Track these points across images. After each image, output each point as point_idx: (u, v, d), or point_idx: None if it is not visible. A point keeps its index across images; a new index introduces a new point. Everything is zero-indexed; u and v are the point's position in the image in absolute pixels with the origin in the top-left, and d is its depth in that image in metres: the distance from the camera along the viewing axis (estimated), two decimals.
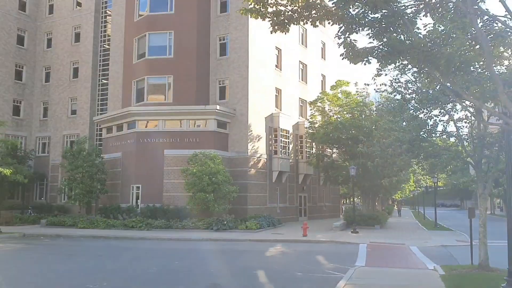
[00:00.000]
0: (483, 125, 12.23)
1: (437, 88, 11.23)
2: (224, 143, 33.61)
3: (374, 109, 34.94)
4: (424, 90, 11.67)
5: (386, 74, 12.83)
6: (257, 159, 34.18)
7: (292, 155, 39.72)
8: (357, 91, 35.57)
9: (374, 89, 12.82)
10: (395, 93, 12.39)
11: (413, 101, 12.31)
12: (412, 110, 12.47)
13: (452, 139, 13.08)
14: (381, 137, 15.94)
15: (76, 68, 42.13)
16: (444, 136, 13.16)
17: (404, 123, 13.09)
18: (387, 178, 13.99)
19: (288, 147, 37.69)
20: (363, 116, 33.75)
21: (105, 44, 41.36)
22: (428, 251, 19.95)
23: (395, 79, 12.38)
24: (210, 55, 35.36)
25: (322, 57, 47.20)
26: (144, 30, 35.13)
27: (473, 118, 12.77)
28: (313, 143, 40.45)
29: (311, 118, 37.97)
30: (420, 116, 12.53)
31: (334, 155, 40.74)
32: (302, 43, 42.93)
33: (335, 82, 37.57)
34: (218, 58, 35.08)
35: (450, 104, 12.53)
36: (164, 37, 34.68)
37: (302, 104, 42.04)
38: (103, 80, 40.92)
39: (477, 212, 15.05)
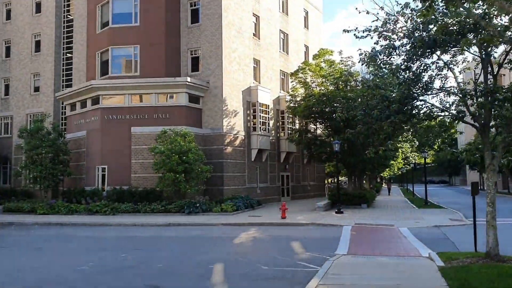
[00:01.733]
0: (492, 76, 9.70)
1: (438, 24, 8.67)
2: (197, 119, 30.80)
3: (360, 79, 32.28)
4: (418, 34, 9.08)
5: (377, 19, 10.16)
6: (233, 136, 31.48)
7: (273, 131, 37.09)
8: (341, 60, 32.83)
9: (354, 34, 9.87)
10: (380, 39, 9.78)
11: (404, 48, 9.72)
12: (404, 59, 9.87)
13: (452, 98, 10.54)
14: (364, 96, 13.23)
15: (38, 41, 38.84)
16: (442, 95, 10.64)
17: (391, 79, 10.50)
18: (371, 148, 11.54)
19: (268, 123, 35.02)
20: (348, 88, 31.06)
21: (69, 14, 37.99)
22: (420, 233, 17.61)
23: (384, 22, 9.74)
24: (180, 22, 32.24)
25: (305, 27, 44.21)
26: None
27: (478, 68, 10.23)
28: (296, 119, 37.84)
29: (292, 91, 35.21)
30: (412, 68, 9.93)
31: (319, 131, 38.23)
32: (282, 11, 39.89)
33: (318, 51, 34.70)
34: (190, 26, 31.99)
35: (453, 49, 9.99)
36: (129, 3, 31.45)
37: (283, 77, 39.23)
38: (67, 54, 37.68)
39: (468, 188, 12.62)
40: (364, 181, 63.28)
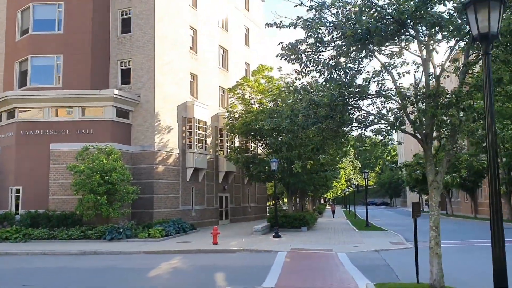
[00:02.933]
0: (435, 78, 8.45)
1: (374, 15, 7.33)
2: (126, 135, 28.34)
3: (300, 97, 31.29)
4: (351, 25, 7.68)
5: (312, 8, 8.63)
6: (166, 154, 29.25)
7: (211, 150, 35.19)
8: (280, 77, 31.70)
9: (277, 25, 8.29)
10: (310, 34, 8.28)
11: (333, 44, 8.26)
12: (332, 55, 8.42)
13: (390, 105, 9.20)
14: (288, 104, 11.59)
15: None
16: (378, 101, 9.30)
17: (320, 79, 9.03)
18: (297, 162, 9.98)
19: (206, 140, 33.09)
20: (287, 104, 29.80)
21: None
22: (359, 258, 16.20)
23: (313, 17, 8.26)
24: (110, 32, 29.95)
25: (245, 44, 43.06)
26: (29, 0, 29.07)
27: (419, 72, 9.00)
28: (236, 137, 36.18)
29: (231, 107, 33.60)
30: (342, 65, 8.48)
31: (260, 150, 36.75)
32: (222, 26, 38.54)
33: (257, 67, 33.41)
34: (120, 36, 29.75)
35: (390, 46, 8.72)
36: (53, 9, 28.85)
37: (223, 94, 37.63)
38: None
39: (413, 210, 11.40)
40: (307, 203, 62.52)
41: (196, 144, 31.68)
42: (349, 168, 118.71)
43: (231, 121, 32.11)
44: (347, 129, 9.78)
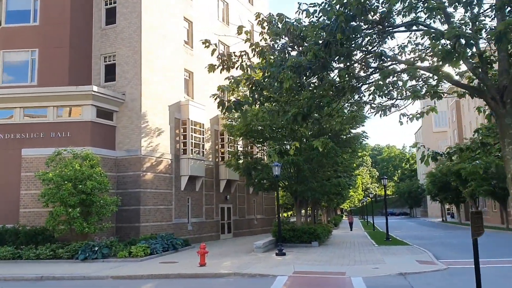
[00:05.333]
0: None
1: None
2: (109, 139, 24.92)
3: None
4: None
5: None
6: (156, 160, 25.74)
7: (211, 156, 31.60)
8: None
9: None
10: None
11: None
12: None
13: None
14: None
15: None
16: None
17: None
18: (318, 140, 6.66)
19: (203, 145, 29.53)
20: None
21: None
22: (380, 287, 12.33)
23: None
24: (93, 23, 26.75)
25: (249, 40, 39.53)
26: None
27: None
28: (239, 142, 32.58)
29: None
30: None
31: (263, 155, 33.06)
32: (222, 20, 35.20)
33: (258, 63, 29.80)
34: (104, 28, 26.52)
35: None
36: None
37: (223, 94, 34.07)
38: None
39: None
40: (321, 214, 58.39)
41: (192, 149, 28.13)
42: (367, 177, 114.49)
43: (229, 122, 28.50)
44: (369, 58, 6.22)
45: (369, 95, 6.63)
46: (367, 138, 30.68)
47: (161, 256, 21.21)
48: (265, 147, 29.32)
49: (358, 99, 6.97)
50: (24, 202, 23.08)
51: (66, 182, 20.09)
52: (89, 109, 23.75)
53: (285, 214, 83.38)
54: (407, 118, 6.56)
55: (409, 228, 52.18)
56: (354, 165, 39.12)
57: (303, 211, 33.40)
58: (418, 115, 6.53)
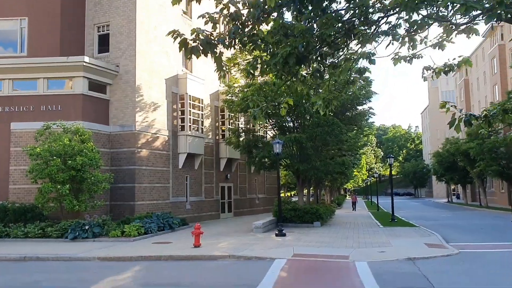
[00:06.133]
0: None
1: None
2: (102, 113, 23.75)
3: None
4: None
5: None
6: (152, 136, 24.61)
7: (210, 133, 30.43)
8: None
9: None
10: None
11: None
12: None
13: None
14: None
15: None
16: None
17: None
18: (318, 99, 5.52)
19: (202, 121, 28.33)
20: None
21: None
22: (387, 273, 11.26)
23: None
24: None
25: None
26: None
27: None
28: (241, 119, 31.37)
29: (230, 81, 28.69)
30: None
31: (269, 133, 31.92)
32: None
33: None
34: None
35: None
36: None
37: (226, 68, 32.64)
38: None
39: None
40: (324, 194, 57.41)
41: (190, 125, 26.96)
42: (371, 157, 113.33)
43: (229, 97, 27.21)
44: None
45: (389, 30, 5.19)
46: (374, 115, 29.38)
47: (156, 235, 20.26)
48: (266, 124, 28.06)
49: (374, 32, 5.42)
50: (13, 178, 22.10)
51: (54, 157, 19.04)
52: (81, 81, 22.52)
53: (288, 194, 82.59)
54: (432, 71, 5.22)
55: (414, 209, 51.17)
56: (360, 143, 37.90)
57: (305, 190, 32.31)
58: (446, 69, 5.18)
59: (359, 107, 28.28)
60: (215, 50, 5.97)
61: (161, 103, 25.48)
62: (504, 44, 52.06)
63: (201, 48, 5.86)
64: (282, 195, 77.55)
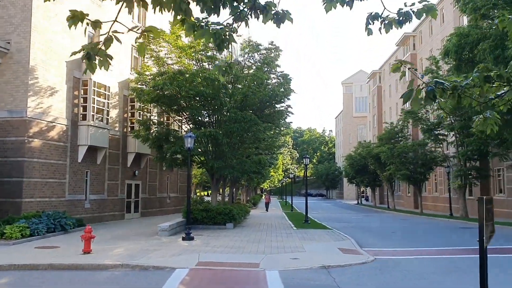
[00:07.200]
0: None
1: None
2: None
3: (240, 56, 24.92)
4: None
5: None
6: (47, 125, 21.69)
7: (118, 125, 27.87)
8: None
9: None
10: None
11: None
12: None
13: None
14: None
15: None
16: None
17: None
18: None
19: (108, 111, 25.74)
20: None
21: None
22: (299, 285, 10.06)
23: None
24: None
25: None
26: None
27: None
28: (153, 111, 29.09)
29: (142, 69, 26.38)
30: None
31: (184, 128, 29.96)
32: None
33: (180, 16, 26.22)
34: None
35: None
36: None
37: (138, 56, 30.21)
38: None
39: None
40: (240, 194, 56.47)
41: (93, 115, 24.30)
42: (288, 158, 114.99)
43: (140, 86, 24.94)
44: None
45: None
46: (292, 114, 28.62)
47: (44, 238, 17.64)
48: (180, 118, 26.15)
49: None
50: None
51: None
52: None
53: (203, 193, 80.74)
54: (381, 22, 3.82)
55: (326, 210, 51.89)
56: (278, 143, 37.29)
57: (221, 190, 30.84)
58: (401, 18, 3.78)
59: (278, 105, 27.37)
60: None
61: (60, 88, 22.60)
62: (416, 53, 54.55)
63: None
64: (198, 194, 75.54)
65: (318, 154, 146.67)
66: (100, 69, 4.01)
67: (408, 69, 3.66)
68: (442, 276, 11.23)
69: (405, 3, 3.61)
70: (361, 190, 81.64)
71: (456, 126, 32.71)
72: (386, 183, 52.84)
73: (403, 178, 42.89)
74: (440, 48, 32.17)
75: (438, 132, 36.93)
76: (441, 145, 38.30)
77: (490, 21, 21.28)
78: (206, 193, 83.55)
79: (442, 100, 3.30)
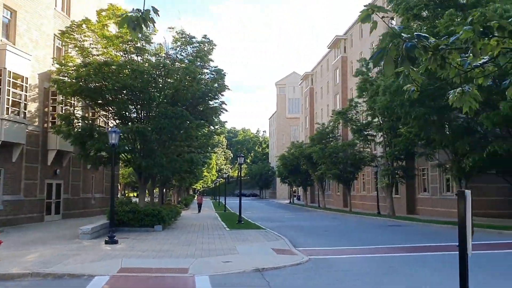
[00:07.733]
0: None
1: None
2: None
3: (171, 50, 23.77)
4: None
5: None
6: None
7: (37, 120, 25.66)
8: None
9: None
10: None
11: None
12: None
13: None
14: None
15: None
16: None
17: None
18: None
19: (25, 104, 23.57)
20: (147, 56, 22.01)
21: None
22: None
23: None
24: None
25: None
26: None
27: None
28: (77, 105, 27.12)
29: (64, 59, 24.43)
30: None
31: (110, 124, 28.18)
32: None
33: (107, 6, 24.36)
34: None
35: None
36: None
37: (62, 46, 28.00)
38: None
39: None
40: (171, 194, 54.88)
41: (8, 108, 22.10)
42: (222, 158, 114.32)
43: (61, 77, 23.04)
44: None
45: None
46: (226, 111, 27.92)
47: None
48: (106, 113, 24.53)
49: None
50: None
51: None
52: None
53: (131, 194, 77.82)
54: None
55: (259, 210, 51.74)
56: (212, 142, 36.42)
57: (150, 190, 29.43)
58: None
59: (211, 102, 26.53)
60: None
61: None
62: (347, 56, 55.93)
63: None
64: (127, 195, 72.56)
65: (252, 154, 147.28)
66: None
67: (382, 18, 3.06)
68: (379, 277, 11.01)
69: None
70: (294, 189, 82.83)
71: (385, 127, 33.67)
72: (317, 182, 53.69)
73: (333, 178, 43.68)
74: (372, 48, 32.86)
75: (367, 132, 37.93)
76: (370, 145, 39.42)
77: (420, 22, 21.88)
78: (135, 194, 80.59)
79: (420, 66, 2.72)
